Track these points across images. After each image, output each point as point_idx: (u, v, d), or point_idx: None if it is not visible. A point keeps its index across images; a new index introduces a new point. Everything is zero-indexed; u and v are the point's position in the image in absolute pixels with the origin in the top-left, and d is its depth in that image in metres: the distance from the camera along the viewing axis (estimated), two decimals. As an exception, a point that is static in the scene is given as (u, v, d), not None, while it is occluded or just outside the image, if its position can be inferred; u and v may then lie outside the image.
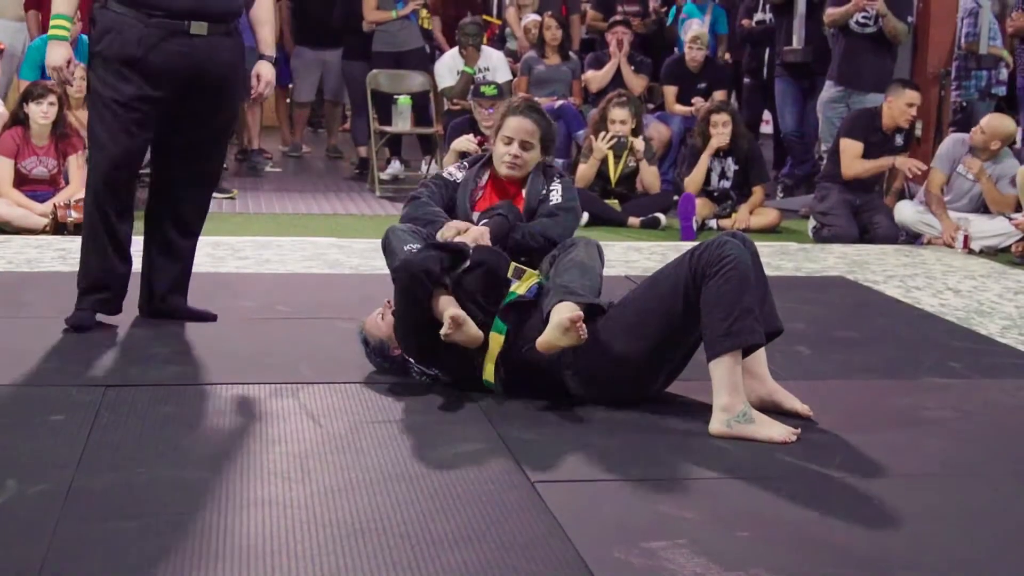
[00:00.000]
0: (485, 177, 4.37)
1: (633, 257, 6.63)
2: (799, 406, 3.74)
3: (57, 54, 4.37)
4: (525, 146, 4.26)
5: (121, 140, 4.33)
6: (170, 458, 3.24)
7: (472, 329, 3.70)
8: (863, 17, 8.49)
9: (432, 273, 3.72)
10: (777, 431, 3.50)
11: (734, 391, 3.49)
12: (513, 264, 3.94)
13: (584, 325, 3.57)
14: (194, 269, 4.84)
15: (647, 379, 3.75)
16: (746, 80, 10.28)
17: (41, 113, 7.11)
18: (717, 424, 3.53)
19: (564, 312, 3.59)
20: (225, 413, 3.66)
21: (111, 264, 4.50)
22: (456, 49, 9.42)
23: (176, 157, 4.56)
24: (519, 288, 3.85)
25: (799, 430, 3.55)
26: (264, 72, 4.61)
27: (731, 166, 8.21)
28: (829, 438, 3.60)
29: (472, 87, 8.49)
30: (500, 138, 4.33)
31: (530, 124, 4.26)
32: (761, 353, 3.73)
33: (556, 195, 4.24)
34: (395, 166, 9.75)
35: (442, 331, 3.67)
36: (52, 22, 4.40)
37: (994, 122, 7.54)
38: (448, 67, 9.44)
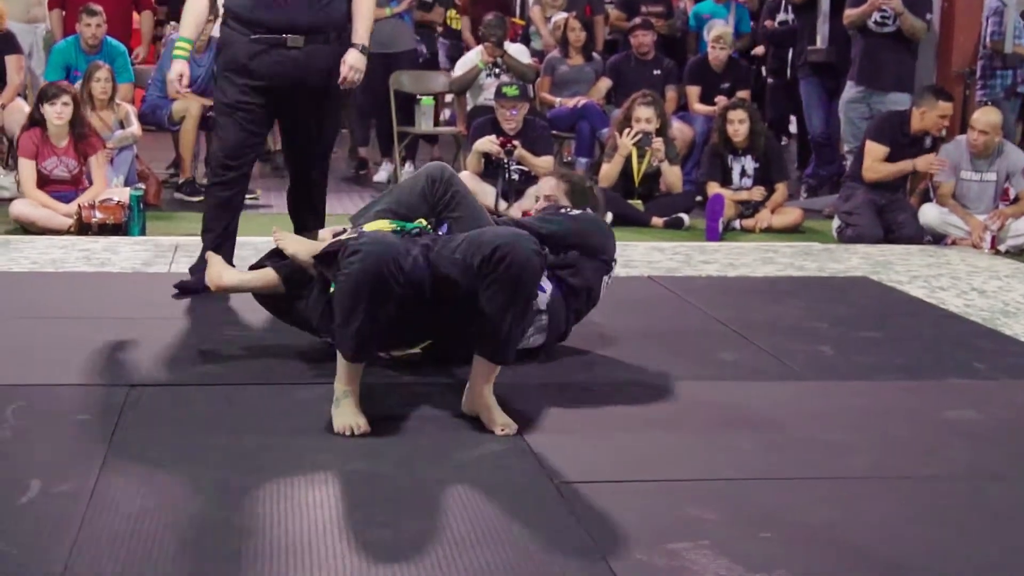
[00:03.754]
0: None
1: (656, 257, 6.63)
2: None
3: (174, 68, 5.05)
4: (549, 199, 4.52)
5: (231, 134, 4.98)
6: (195, 459, 3.25)
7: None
8: (881, 16, 8.42)
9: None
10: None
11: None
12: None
13: None
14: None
15: None
16: (770, 81, 10.25)
17: (55, 114, 7.13)
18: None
19: None
20: (252, 413, 3.66)
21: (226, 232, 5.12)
22: (480, 46, 9.40)
23: (291, 154, 5.30)
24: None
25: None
26: (350, 58, 4.96)
27: (751, 164, 8.20)
28: (852, 439, 3.59)
29: (496, 88, 8.46)
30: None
31: (554, 181, 4.54)
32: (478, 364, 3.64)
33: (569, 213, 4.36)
34: (408, 169, 9.66)
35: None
36: (177, 43, 5.09)
37: (988, 117, 7.44)
38: (471, 61, 9.40)
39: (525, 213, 4.55)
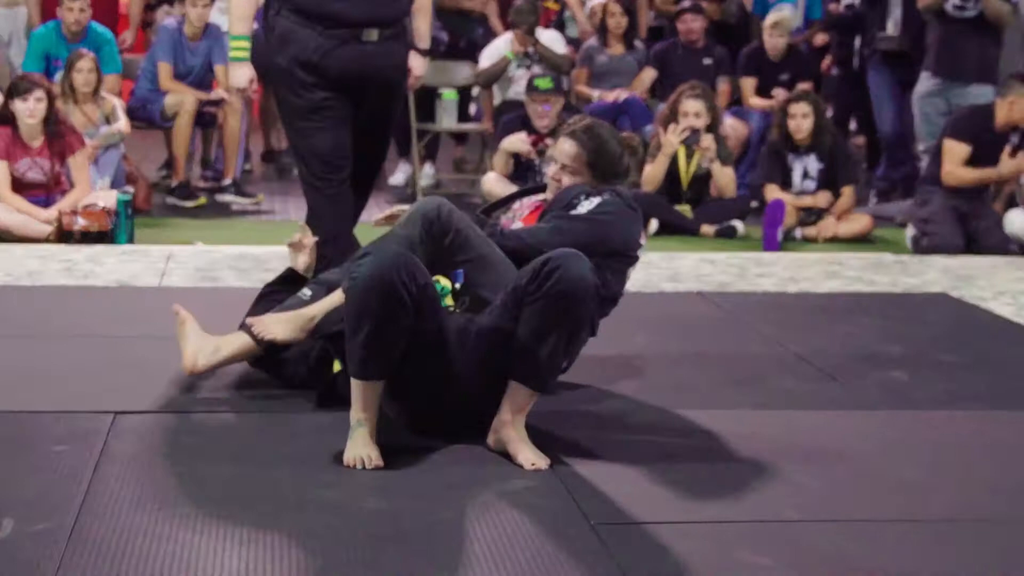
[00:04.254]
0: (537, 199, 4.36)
1: (706, 270, 6.62)
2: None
3: (240, 75, 5.06)
4: (566, 169, 4.20)
5: (325, 138, 4.92)
6: (185, 495, 3.26)
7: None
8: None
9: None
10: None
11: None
12: None
13: None
14: (216, 283, 4.88)
15: None
16: (834, 71, 10.24)
17: (27, 111, 7.11)
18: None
19: None
20: (250, 444, 3.67)
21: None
22: (510, 34, 9.39)
23: (364, 154, 5.14)
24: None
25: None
26: (415, 66, 5.17)
27: (815, 164, 8.19)
28: (928, 476, 3.57)
29: (527, 81, 8.45)
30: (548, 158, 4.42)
31: (573, 147, 4.17)
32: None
33: (583, 207, 4.08)
34: (428, 171, 9.62)
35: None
36: (232, 44, 5.09)
37: None
38: (499, 51, 9.40)
39: (532, 212, 4.27)
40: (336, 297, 3.87)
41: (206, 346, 4.06)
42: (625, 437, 3.81)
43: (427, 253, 3.76)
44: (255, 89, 5.17)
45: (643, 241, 4.20)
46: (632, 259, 4.14)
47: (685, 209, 8.11)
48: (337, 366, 3.93)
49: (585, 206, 4.03)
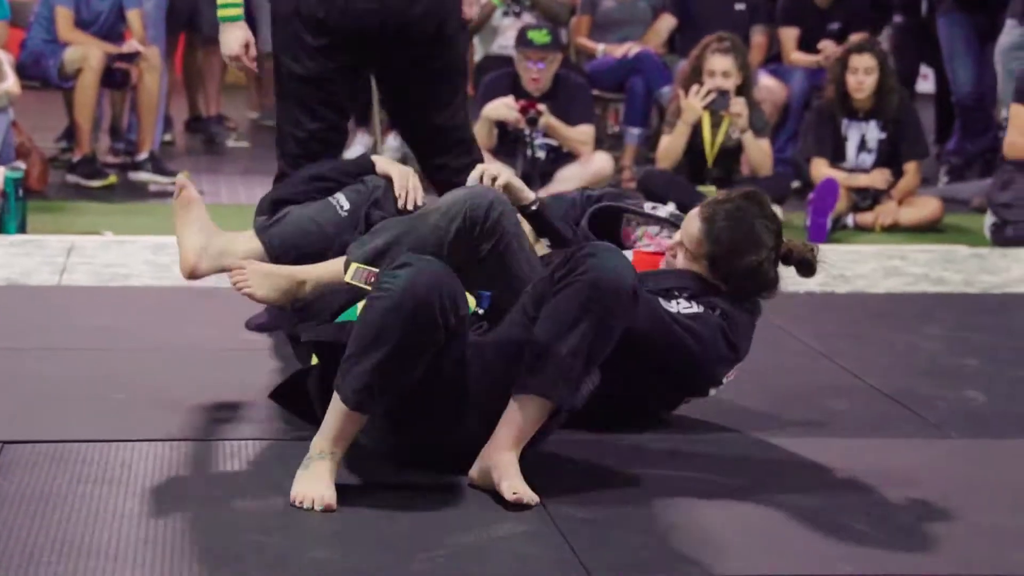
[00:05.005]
0: None
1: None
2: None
3: (231, 39, 4.91)
4: (682, 247, 4.14)
5: (306, 119, 4.91)
6: (79, 540, 3.22)
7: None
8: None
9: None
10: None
11: None
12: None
13: None
14: (129, 282, 4.87)
15: None
16: (896, 19, 10.27)
17: None
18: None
19: None
20: (169, 478, 3.65)
21: None
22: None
23: (410, 141, 5.22)
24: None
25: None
26: None
27: (875, 133, 8.23)
28: (1012, 520, 3.56)
29: (518, 33, 8.42)
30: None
31: (700, 232, 4.07)
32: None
33: (675, 305, 4.02)
34: (392, 143, 9.61)
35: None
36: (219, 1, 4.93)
37: None
38: (484, -2, 9.40)
39: (654, 255, 4.31)
40: (333, 269, 3.90)
41: (213, 244, 4.10)
42: (637, 470, 3.80)
43: (455, 259, 3.77)
44: (252, 57, 4.99)
45: (725, 381, 4.15)
46: (694, 396, 4.19)
47: (710, 191, 7.85)
48: (315, 359, 3.89)
49: (678, 306, 4.02)
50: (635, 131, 9.23)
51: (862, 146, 8.24)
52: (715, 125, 8.15)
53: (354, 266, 3.85)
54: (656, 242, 4.35)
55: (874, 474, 3.85)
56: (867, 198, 8.16)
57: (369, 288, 3.63)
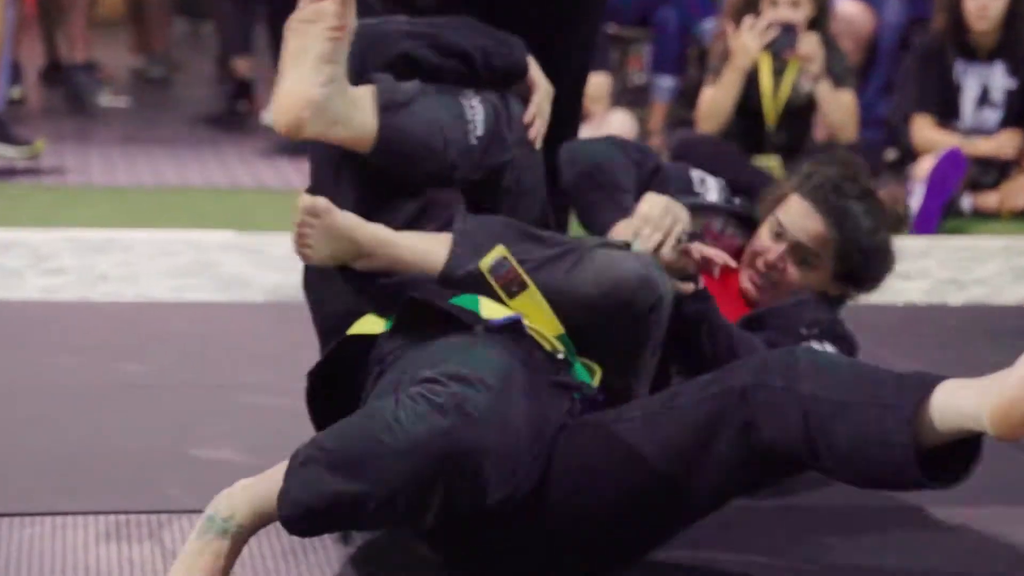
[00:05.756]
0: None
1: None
2: None
3: None
4: (799, 254, 4.36)
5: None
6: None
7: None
8: None
9: None
10: None
11: None
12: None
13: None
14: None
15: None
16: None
17: None
18: None
19: None
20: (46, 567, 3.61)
21: None
22: None
23: None
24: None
25: None
26: None
27: (1001, 81, 8.26)
28: None
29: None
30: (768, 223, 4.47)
31: (820, 223, 4.33)
32: None
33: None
34: None
35: None
36: None
37: None
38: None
39: (731, 272, 4.38)
40: (422, 248, 3.86)
41: (334, 104, 3.89)
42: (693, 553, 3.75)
43: (578, 318, 3.85)
44: None
45: None
46: None
47: (772, 163, 7.95)
48: (373, 326, 3.84)
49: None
50: (666, 81, 9.33)
51: (983, 99, 8.24)
52: (778, 72, 8.12)
53: (499, 251, 3.81)
54: (722, 242, 4.42)
55: (1003, 549, 4.00)
56: (990, 172, 8.07)
57: (502, 292, 3.74)
